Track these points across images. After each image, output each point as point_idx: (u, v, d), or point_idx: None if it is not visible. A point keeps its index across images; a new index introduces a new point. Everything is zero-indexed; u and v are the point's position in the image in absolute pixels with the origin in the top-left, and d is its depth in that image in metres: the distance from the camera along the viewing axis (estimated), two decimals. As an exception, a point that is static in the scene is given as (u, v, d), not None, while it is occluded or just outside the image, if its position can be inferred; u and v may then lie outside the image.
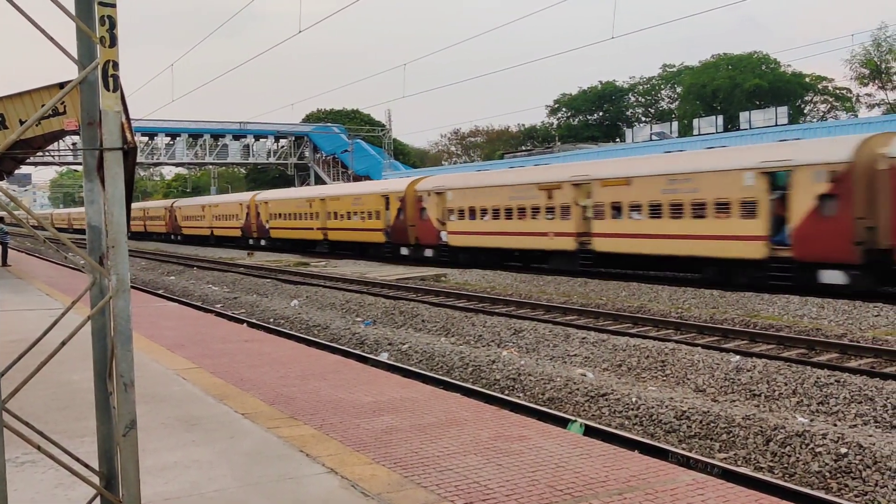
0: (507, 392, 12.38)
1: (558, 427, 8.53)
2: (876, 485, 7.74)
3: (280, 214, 51.11)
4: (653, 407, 10.56)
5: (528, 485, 5.57)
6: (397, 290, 25.94)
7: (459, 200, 34.14)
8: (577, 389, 11.81)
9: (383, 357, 15.13)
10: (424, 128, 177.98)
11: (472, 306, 21.58)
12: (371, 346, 16.42)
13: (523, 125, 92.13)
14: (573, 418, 10.12)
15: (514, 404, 11.05)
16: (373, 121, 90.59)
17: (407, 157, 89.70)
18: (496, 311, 20.57)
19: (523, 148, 74.30)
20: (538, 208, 29.80)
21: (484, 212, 32.69)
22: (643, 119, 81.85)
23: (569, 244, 28.35)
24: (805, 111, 70.81)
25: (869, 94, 61.70)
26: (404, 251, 38.08)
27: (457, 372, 13.80)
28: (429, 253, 36.30)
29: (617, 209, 26.45)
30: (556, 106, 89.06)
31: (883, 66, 53.07)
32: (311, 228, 46.61)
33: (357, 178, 69.90)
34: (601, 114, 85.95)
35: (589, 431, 9.59)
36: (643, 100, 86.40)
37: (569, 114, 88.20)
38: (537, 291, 25.09)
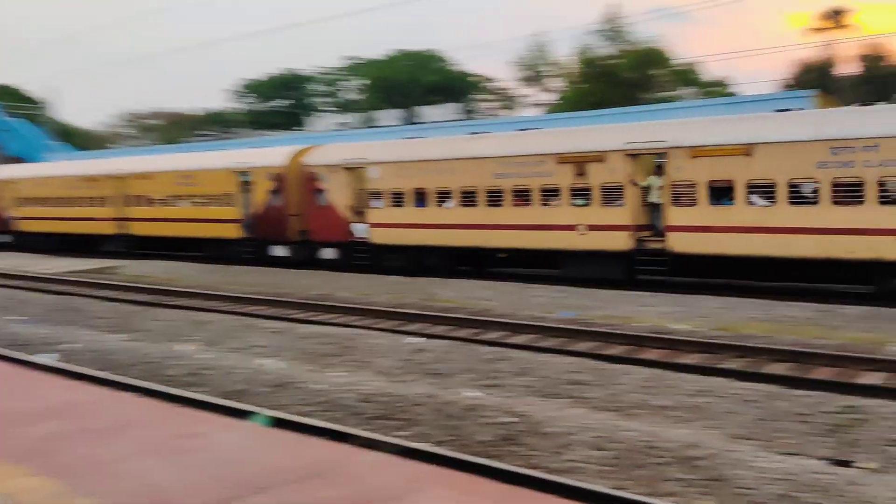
0: (189, 388, 11.87)
1: (243, 420, 8.37)
2: (535, 449, 8.56)
3: (37, 199, 37.50)
4: (337, 392, 10.75)
5: (210, 481, 5.38)
6: (64, 285, 23.75)
7: (394, 179, 24.82)
8: (263, 380, 11.67)
9: (45, 359, 13.75)
10: (95, 108, 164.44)
11: (150, 300, 20.43)
12: (34, 348, 14.86)
13: (205, 108, 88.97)
14: (258, 410, 9.96)
15: (195, 401, 10.61)
16: (30, 98, 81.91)
17: (73, 138, 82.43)
18: (177, 304, 19.68)
19: (205, 133, 71.71)
20: (555, 190, 21.49)
21: (444, 195, 23.84)
22: (327, 108, 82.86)
23: (619, 241, 20.44)
24: (474, 108, 76.28)
25: (529, 95, 67.98)
26: (279, 251, 28.11)
27: (133, 370, 12.96)
28: (330, 254, 26.75)
29: (722, 191, 18.92)
30: (244, 91, 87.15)
31: (540, 70, 58.75)
32: (98, 219, 34.27)
33: (13, 161, 62.78)
34: (286, 101, 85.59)
35: (276, 422, 9.51)
36: (327, 89, 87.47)
37: (254, 99, 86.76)
38: (224, 282, 24.36)
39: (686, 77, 56.43)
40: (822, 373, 11.59)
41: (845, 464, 7.98)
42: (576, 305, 17.97)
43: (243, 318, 17.13)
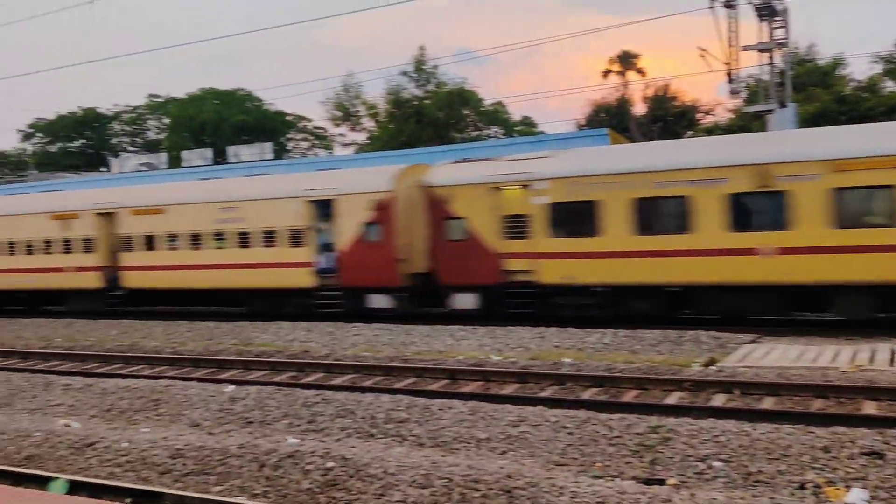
0: (-27, 456, 10.71)
1: (36, 489, 7.62)
2: (359, 492, 8.35)
3: None
4: (145, 449, 10.04)
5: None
6: None
7: None
8: (61, 442, 10.70)
9: None
10: None
11: (-74, 360, 18.36)
12: None
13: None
14: (55, 475, 9.12)
15: (-19, 470, 9.59)
16: None
17: None
18: (-41, 363, 17.82)
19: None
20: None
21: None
22: (130, 148, 78.99)
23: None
24: (289, 147, 75.41)
25: (342, 134, 68.07)
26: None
27: None
28: None
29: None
30: (31, 131, 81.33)
31: (352, 110, 58.97)
32: None
33: None
34: (83, 141, 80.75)
35: (75, 487, 8.75)
36: (129, 129, 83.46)
37: (46, 140, 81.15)
38: (11, 337, 22.36)
39: (493, 117, 58.64)
40: (630, 395, 12.19)
41: (656, 482, 8.36)
42: (395, 342, 17.93)
43: (35, 374, 15.73)
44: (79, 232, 25.97)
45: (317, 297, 21.99)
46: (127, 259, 25.16)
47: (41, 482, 8.94)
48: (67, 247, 26.19)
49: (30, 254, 27.02)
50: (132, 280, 25.14)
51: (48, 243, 26.62)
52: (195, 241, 23.88)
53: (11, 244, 27.49)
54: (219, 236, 23.45)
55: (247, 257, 22.90)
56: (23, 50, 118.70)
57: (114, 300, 25.57)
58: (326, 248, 22.22)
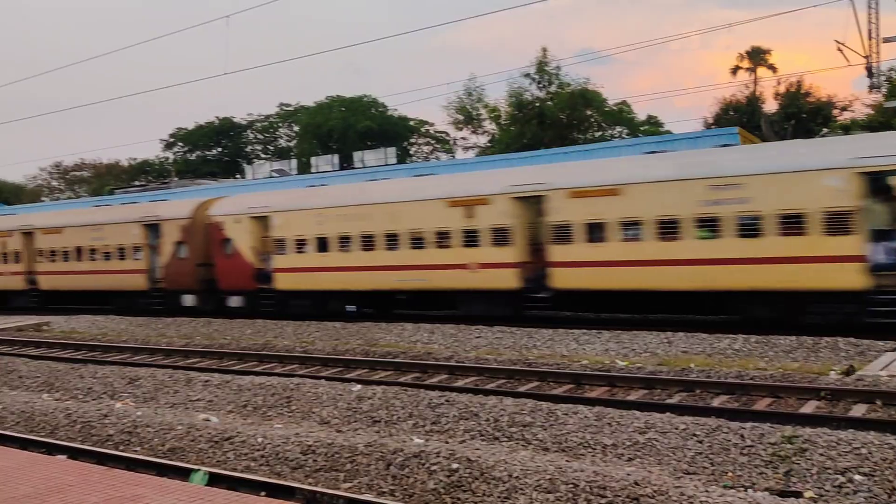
0: (121, 447, 11.43)
1: (179, 480, 8.04)
2: (483, 494, 8.41)
3: None
4: (278, 445, 10.44)
5: (144, 549, 5.11)
6: (-11, 344, 22.82)
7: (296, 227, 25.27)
8: (201, 436, 11.27)
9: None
10: (20, 160, 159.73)
11: (80, 356, 19.73)
12: (-45, 412, 14.16)
13: (135, 159, 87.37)
14: (196, 467, 9.62)
15: (129, 460, 10.22)
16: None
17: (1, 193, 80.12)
18: (109, 359, 19.06)
19: (136, 183, 70.42)
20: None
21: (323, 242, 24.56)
22: (263, 156, 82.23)
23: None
24: (411, 152, 76.61)
25: (464, 138, 68.57)
26: (189, 300, 28.22)
27: (62, 431, 12.43)
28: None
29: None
30: (172, 140, 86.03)
31: (474, 113, 59.32)
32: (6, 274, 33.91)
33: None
34: (220, 149, 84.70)
35: (214, 479, 9.20)
36: (262, 137, 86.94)
37: (186, 148, 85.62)
38: (156, 335, 23.71)
39: (617, 117, 57.68)
40: (763, 403, 11.74)
41: (792, 495, 8.03)
42: (517, 345, 17.93)
43: (177, 371, 16.62)
44: (488, 221, 21.54)
45: (864, 302, 16.70)
46: (559, 253, 20.43)
47: (183, 473, 9.44)
48: (471, 239, 21.86)
49: (417, 248, 22.80)
50: (566, 279, 20.39)
51: (442, 235, 22.36)
52: (668, 229, 18.97)
53: (392, 237, 23.37)
54: (706, 223, 18.47)
55: (751, 250, 17.86)
56: (164, 65, 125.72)
57: (536, 304, 21.05)
58: (882, 236, 17.02)
